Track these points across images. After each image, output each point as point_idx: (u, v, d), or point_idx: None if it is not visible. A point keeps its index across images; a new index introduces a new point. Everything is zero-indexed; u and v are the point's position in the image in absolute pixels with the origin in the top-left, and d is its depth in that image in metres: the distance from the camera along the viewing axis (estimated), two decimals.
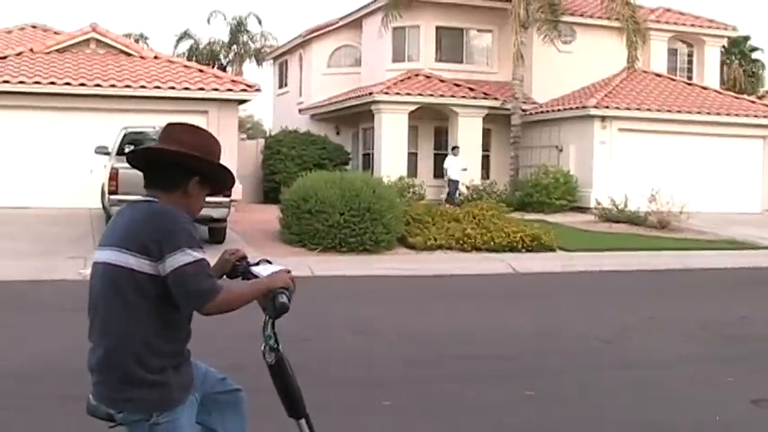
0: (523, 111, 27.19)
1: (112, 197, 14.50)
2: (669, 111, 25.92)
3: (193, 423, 3.32)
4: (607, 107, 25.16)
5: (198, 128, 3.39)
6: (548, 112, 27.18)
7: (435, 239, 16.68)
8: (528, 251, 16.70)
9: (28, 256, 14.14)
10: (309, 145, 26.68)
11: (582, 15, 28.84)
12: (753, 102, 29.26)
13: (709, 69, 32.11)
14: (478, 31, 30.24)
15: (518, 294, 12.93)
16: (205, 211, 12.64)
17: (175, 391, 3.16)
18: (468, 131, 27.13)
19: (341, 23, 32.87)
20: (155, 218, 3.12)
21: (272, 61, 40.93)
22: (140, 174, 3.32)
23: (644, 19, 28.59)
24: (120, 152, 15.66)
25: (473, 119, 27.27)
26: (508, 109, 26.95)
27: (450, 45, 30.10)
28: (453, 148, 25.89)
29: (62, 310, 9.56)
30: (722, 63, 35.83)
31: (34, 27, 27.59)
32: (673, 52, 31.78)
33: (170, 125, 3.36)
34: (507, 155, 27.32)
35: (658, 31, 30.59)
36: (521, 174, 26.51)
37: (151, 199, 3.23)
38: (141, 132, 16.01)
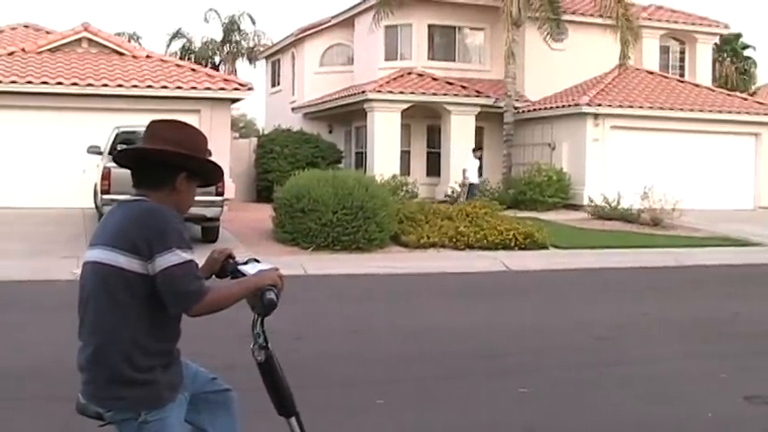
0: (516, 109, 27.23)
1: (105, 197, 14.45)
2: (661, 108, 25.98)
3: (182, 422, 3.31)
4: (600, 105, 25.20)
5: (182, 123, 3.38)
6: (540, 109, 27.22)
7: (428, 238, 16.67)
8: (521, 249, 16.69)
9: (20, 255, 14.10)
10: (302, 144, 26.67)
11: (574, 13, 28.87)
12: (745, 99, 29.37)
13: (702, 67, 32.19)
14: (471, 29, 30.26)
15: (511, 292, 12.93)
16: (198, 210, 12.58)
17: (164, 390, 3.15)
18: (460, 129, 27.15)
19: (333, 22, 32.87)
20: (145, 217, 3.11)
21: (264, 60, 40.92)
22: None
23: (636, 16, 28.66)
24: (112, 152, 15.63)
25: (466, 117, 27.27)
26: (501, 107, 26.97)
27: (443, 43, 30.13)
28: (474, 149, 25.55)
29: (54, 309, 9.52)
30: (714, 60, 35.91)
31: (26, 26, 27.52)
32: (665, 50, 31.86)
33: (153, 122, 3.35)
34: (500, 153, 27.35)
35: (650, 29, 30.68)
36: (513, 172, 26.56)
37: (141, 198, 3.23)
38: (134, 132, 15.96)
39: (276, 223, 16.91)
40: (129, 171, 3.32)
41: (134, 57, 23.24)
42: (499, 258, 15.65)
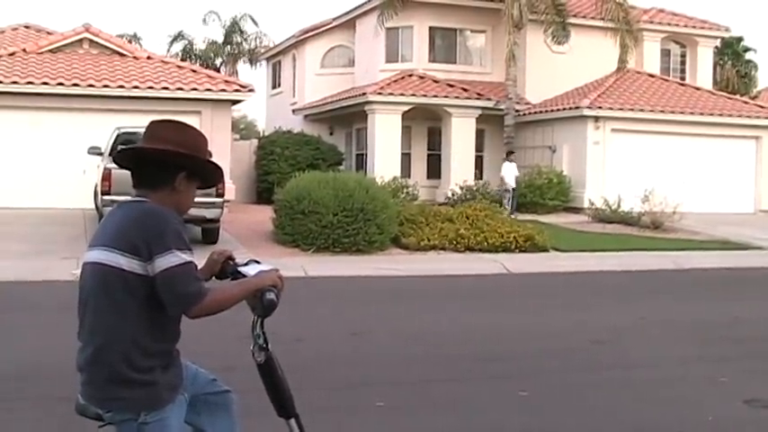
0: (517, 111, 27.23)
1: (105, 197, 14.46)
2: (662, 111, 25.98)
3: (182, 423, 3.30)
4: (600, 107, 25.20)
5: (182, 123, 3.37)
6: (541, 112, 27.22)
7: (429, 240, 16.68)
8: (521, 251, 16.70)
9: (20, 256, 14.10)
10: (303, 145, 26.66)
11: (575, 16, 28.84)
12: (746, 102, 29.37)
13: (702, 70, 32.19)
14: (472, 31, 30.27)
15: (511, 295, 12.93)
16: (198, 212, 12.56)
17: (164, 391, 3.15)
18: (461, 132, 27.16)
19: (334, 24, 32.88)
20: (145, 218, 3.11)
21: (265, 62, 40.93)
22: None
23: (637, 20, 28.70)
24: (112, 152, 15.61)
25: (466, 119, 27.28)
26: (501, 109, 26.97)
27: (444, 45, 30.14)
28: (508, 153, 25.19)
29: (53, 310, 9.53)
30: (715, 64, 35.89)
31: (27, 27, 27.56)
32: (666, 53, 31.86)
33: (153, 123, 3.34)
34: (501, 155, 27.31)
35: (651, 32, 30.68)
36: None
37: (141, 199, 3.22)
38: (134, 133, 15.93)
39: (276, 225, 16.91)
40: (129, 172, 3.31)
41: (135, 58, 23.25)
42: (499, 261, 15.65)
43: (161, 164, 3.22)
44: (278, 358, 3.39)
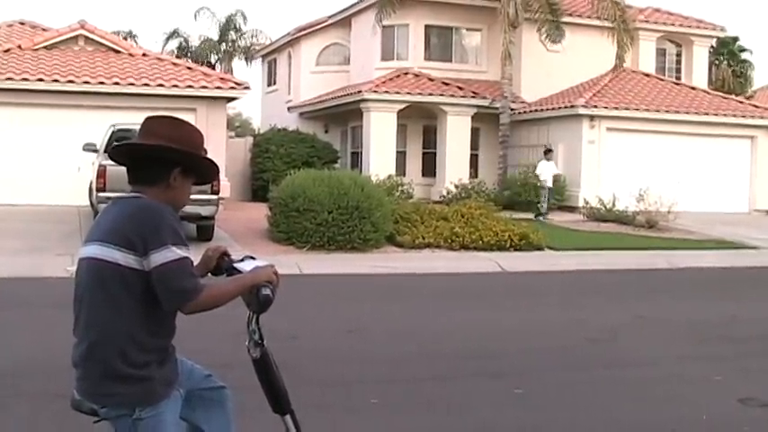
0: (512, 110, 27.23)
1: (100, 194, 14.43)
2: (657, 111, 25.98)
3: (177, 418, 3.30)
4: (596, 107, 25.21)
5: (177, 119, 3.36)
6: (536, 111, 27.22)
7: (423, 238, 16.67)
8: (516, 250, 16.70)
9: (15, 253, 14.06)
10: (298, 143, 26.65)
11: (571, 15, 28.83)
12: (741, 102, 29.40)
13: (698, 69, 32.21)
14: (467, 30, 30.25)
15: (506, 293, 12.93)
16: (193, 209, 12.57)
17: (159, 386, 3.15)
18: (456, 130, 27.17)
19: (330, 22, 32.84)
20: (140, 213, 3.11)
21: (260, 59, 40.88)
22: None
23: (633, 19, 28.73)
24: (107, 149, 15.58)
25: (462, 118, 27.29)
26: (497, 108, 26.97)
27: (440, 44, 30.13)
28: (546, 151, 23.97)
29: (48, 306, 9.53)
30: (711, 63, 35.95)
31: (22, 24, 27.45)
32: (661, 52, 31.86)
33: (148, 119, 3.34)
34: (496, 154, 27.37)
35: (647, 31, 30.69)
36: (509, 173, 26.53)
37: (137, 195, 3.22)
38: (129, 130, 15.88)
39: (271, 223, 16.89)
40: (124, 169, 3.31)
41: (130, 55, 23.21)
42: (494, 259, 15.66)
43: (156, 160, 3.22)
44: (273, 355, 3.39)
